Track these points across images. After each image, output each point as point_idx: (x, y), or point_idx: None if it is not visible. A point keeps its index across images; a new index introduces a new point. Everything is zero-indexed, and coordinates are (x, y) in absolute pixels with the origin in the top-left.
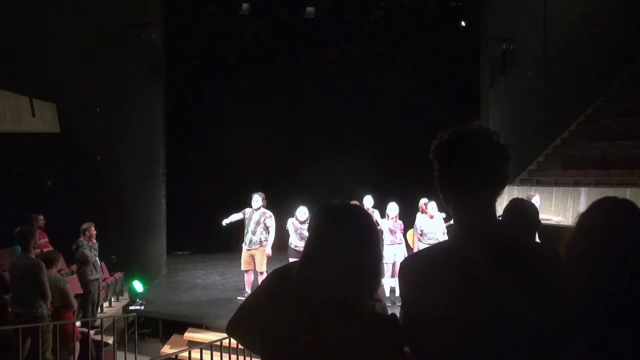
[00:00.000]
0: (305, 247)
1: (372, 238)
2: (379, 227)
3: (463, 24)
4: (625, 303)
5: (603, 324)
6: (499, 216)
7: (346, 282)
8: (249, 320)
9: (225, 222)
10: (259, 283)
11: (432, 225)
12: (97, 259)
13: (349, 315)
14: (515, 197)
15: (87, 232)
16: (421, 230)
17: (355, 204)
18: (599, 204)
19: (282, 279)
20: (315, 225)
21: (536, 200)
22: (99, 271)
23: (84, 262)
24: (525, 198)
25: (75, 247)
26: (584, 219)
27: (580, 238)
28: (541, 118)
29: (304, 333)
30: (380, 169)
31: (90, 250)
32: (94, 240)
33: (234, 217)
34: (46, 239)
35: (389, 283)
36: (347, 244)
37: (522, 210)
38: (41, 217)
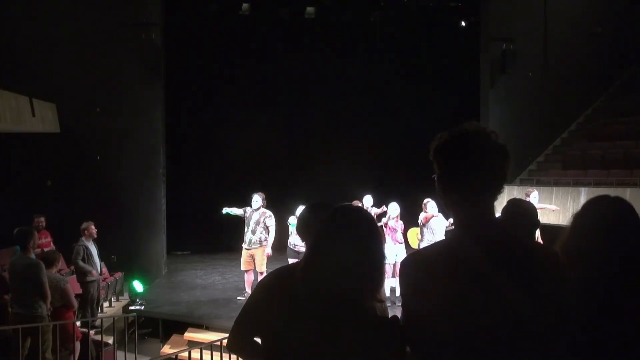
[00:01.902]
0: (308, 249)
1: (374, 239)
2: (380, 223)
3: (463, 24)
4: (622, 300)
5: (600, 322)
6: (498, 216)
7: (350, 283)
8: (250, 327)
9: (225, 210)
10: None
11: (435, 224)
12: (96, 258)
13: (353, 316)
14: (514, 197)
15: (86, 232)
16: (432, 230)
17: (357, 206)
18: (592, 203)
19: (283, 281)
20: (318, 228)
21: (535, 196)
22: (93, 266)
23: (75, 259)
24: (525, 194)
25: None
26: (578, 218)
27: (576, 237)
28: (541, 118)
29: (308, 335)
30: (381, 169)
31: (83, 251)
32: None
33: (236, 210)
34: (49, 239)
35: (390, 283)
36: (349, 245)
37: (521, 210)
38: (42, 219)
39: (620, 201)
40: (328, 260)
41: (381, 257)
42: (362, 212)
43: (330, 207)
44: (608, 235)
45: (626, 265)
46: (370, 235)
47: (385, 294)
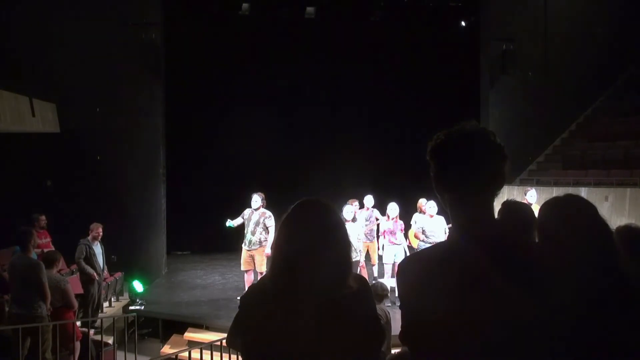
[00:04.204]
0: (283, 245)
1: (344, 227)
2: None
3: (463, 24)
4: (608, 304)
5: (586, 321)
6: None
7: (332, 274)
8: (248, 324)
9: (228, 223)
10: None
11: (433, 224)
12: (99, 258)
13: (341, 307)
14: (513, 197)
15: (90, 232)
16: (422, 229)
17: (315, 198)
18: (557, 205)
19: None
20: (282, 224)
21: (532, 194)
22: (97, 271)
23: (78, 257)
24: (524, 193)
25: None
26: (541, 226)
27: (550, 238)
28: (541, 118)
29: (298, 333)
30: (381, 168)
31: (86, 250)
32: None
33: (237, 220)
34: (48, 239)
35: (389, 283)
36: (328, 237)
37: (518, 211)
38: (43, 218)
39: (583, 199)
40: (305, 256)
41: (348, 244)
42: (321, 202)
43: (322, 204)
44: (579, 234)
45: (600, 263)
46: (332, 223)
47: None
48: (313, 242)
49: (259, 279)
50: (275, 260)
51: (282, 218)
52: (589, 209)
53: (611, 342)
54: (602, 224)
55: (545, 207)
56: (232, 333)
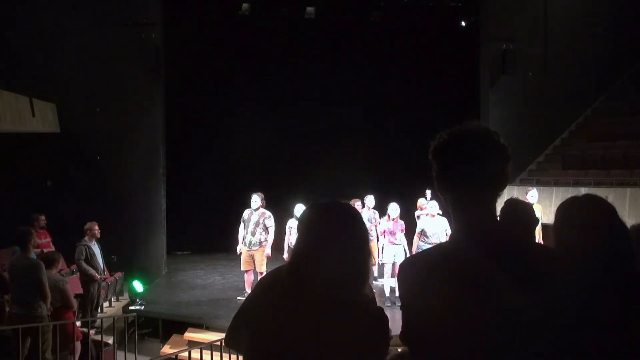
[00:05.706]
0: (300, 244)
1: (365, 235)
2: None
3: (463, 24)
4: (610, 301)
5: (597, 324)
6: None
7: (345, 279)
8: (247, 324)
9: (239, 248)
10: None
11: (434, 224)
12: (98, 258)
13: (350, 312)
14: (514, 197)
15: (89, 232)
16: (422, 230)
17: (344, 202)
18: (574, 204)
19: (281, 280)
20: (311, 223)
21: (533, 194)
22: (98, 271)
23: (78, 259)
24: (525, 193)
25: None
26: (557, 232)
27: (565, 239)
28: (541, 118)
29: (304, 333)
30: (381, 169)
31: (86, 251)
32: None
33: (241, 233)
34: (49, 239)
35: (389, 283)
36: (346, 241)
37: (519, 210)
38: (42, 218)
39: (601, 199)
40: (323, 257)
41: (368, 252)
42: (352, 208)
43: (347, 209)
44: (596, 235)
45: (616, 264)
46: (361, 231)
47: (373, 289)
48: (327, 245)
49: (259, 279)
50: (292, 257)
51: (313, 214)
52: (607, 209)
53: (622, 345)
54: (621, 224)
55: (563, 207)
56: (232, 327)
